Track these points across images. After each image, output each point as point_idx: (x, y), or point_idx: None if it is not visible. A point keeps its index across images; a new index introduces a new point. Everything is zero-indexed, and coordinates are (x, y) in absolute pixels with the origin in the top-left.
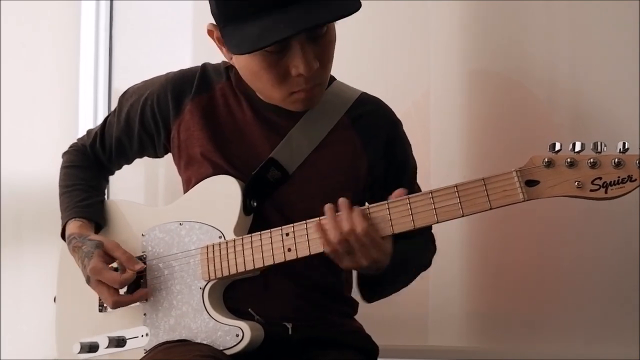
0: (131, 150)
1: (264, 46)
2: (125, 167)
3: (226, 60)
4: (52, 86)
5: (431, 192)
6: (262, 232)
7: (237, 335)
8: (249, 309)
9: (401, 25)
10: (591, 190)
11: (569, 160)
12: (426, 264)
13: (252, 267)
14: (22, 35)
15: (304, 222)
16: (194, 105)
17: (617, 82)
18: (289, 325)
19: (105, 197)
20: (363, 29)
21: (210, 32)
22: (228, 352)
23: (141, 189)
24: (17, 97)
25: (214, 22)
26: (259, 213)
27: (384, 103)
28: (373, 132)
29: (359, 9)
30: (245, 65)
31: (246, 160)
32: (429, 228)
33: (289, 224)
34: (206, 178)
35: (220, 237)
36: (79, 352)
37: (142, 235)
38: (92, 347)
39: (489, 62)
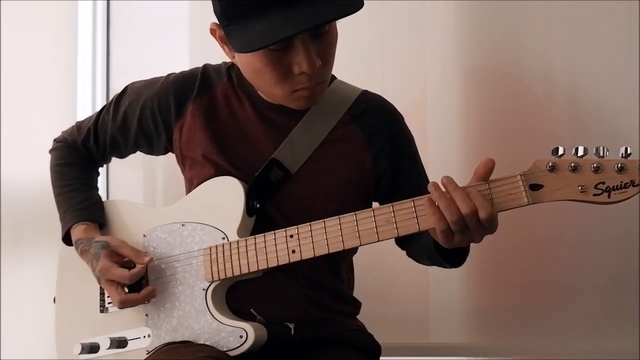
0: (126, 148)
1: (269, 44)
2: (124, 167)
3: (227, 60)
4: (50, 87)
5: None
6: (265, 233)
7: (241, 337)
8: (251, 310)
9: (397, 23)
10: (594, 195)
11: (572, 164)
12: None
13: (255, 269)
14: (19, 36)
15: (308, 224)
16: (195, 106)
17: (614, 75)
18: (291, 326)
19: (103, 198)
20: (359, 27)
21: (212, 31)
22: (231, 354)
23: (139, 190)
24: (15, 99)
25: (217, 22)
26: (262, 213)
27: (386, 100)
28: (375, 127)
29: (362, 6)
30: (248, 62)
31: (248, 161)
32: None
33: (292, 223)
34: (208, 179)
35: (223, 238)
36: (80, 353)
37: (144, 235)
38: (93, 348)
39: (485, 58)
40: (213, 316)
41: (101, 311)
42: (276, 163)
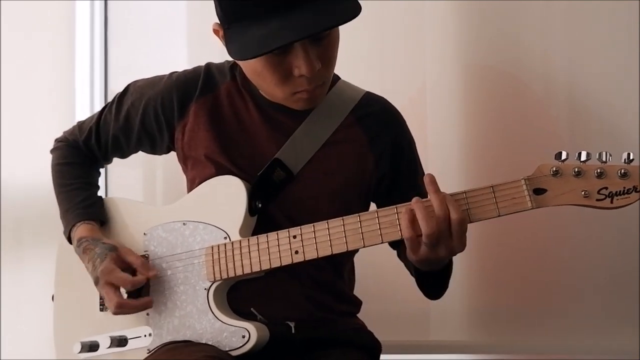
0: (128, 147)
1: (265, 52)
2: (124, 167)
3: (228, 59)
4: (48, 87)
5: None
6: (268, 233)
7: (244, 337)
8: (252, 309)
9: (396, 21)
10: (597, 200)
11: (576, 169)
12: None
13: (258, 269)
14: (17, 37)
15: (312, 225)
16: (198, 106)
17: (614, 75)
18: (292, 325)
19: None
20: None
21: (215, 32)
22: (234, 353)
23: (139, 190)
24: (14, 99)
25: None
26: (264, 214)
27: (389, 102)
28: (378, 129)
29: (360, 12)
30: (249, 64)
31: (251, 161)
32: None
33: (294, 224)
34: (210, 178)
35: (225, 237)
36: (80, 352)
37: (144, 234)
38: (93, 347)
39: (485, 58)
40: (215, 316)
41: (101, 309)
42: (279, 163)
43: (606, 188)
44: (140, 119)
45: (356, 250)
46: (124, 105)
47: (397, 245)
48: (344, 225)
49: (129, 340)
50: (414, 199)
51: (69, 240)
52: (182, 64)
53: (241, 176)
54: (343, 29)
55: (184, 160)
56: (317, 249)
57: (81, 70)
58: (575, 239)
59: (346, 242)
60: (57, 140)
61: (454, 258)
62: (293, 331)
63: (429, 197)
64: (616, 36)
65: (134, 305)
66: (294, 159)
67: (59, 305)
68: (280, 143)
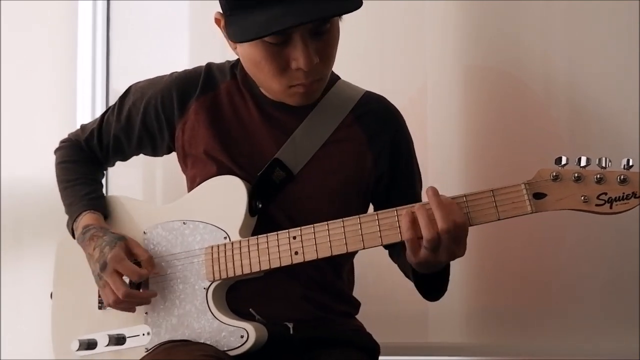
0: (129, 148)
1: (265, 35)
2: (124, 167)
3: (228, 59)
4: (49, 87)
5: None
6: (268, 234)
7: (242, 337)
8: (250, 309)
9: (396, 21)
10: (597, 205)
11: (576, 175)
12: None
13: (257, 269)
14: (19, 36)
15: (311, 226)
16: (198, 104)
17: (614, 75)
18: (290, 325)
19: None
20: (358, 25)
21: (217, 21)
22: (232, 353)
23: (139, 190)
24: (15, 99)
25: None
26: (264, 214)
27: (388, 101)
28: (378, 128)
29: (362, 4)
30: (248, 54)
31: (251, 160)
32: None
33: (295, 224)
34: (211, 177)
35: (225, 237)
36: (77, 349)
37: (144, 232)
38: (91, 344)
39: (485, 58)
40: (214, 315)
41: (99, 307)
42: (279, 163)
43: (605, 193)
44: (141, 118)
45: (356, 252)
46: (126, 105)
47: (392, 245)
48: (344, 226)
49: (127, 339)
50: (418, 204)
51: (72, 232)
52: (184, 64)
53: (241, 174)
54: (343, 29)
55: (183, 159)
56: (316, 250)
57: (83, 70)
58: (574, 240)
59: (346, 244)
60: (61, 141)
61: None
62: (291, 331)
63: (431, 207)
64: (616, 36)
65: (141, 296)
66: (294, 159)
67: (57, 303)
68: (280, 141)
